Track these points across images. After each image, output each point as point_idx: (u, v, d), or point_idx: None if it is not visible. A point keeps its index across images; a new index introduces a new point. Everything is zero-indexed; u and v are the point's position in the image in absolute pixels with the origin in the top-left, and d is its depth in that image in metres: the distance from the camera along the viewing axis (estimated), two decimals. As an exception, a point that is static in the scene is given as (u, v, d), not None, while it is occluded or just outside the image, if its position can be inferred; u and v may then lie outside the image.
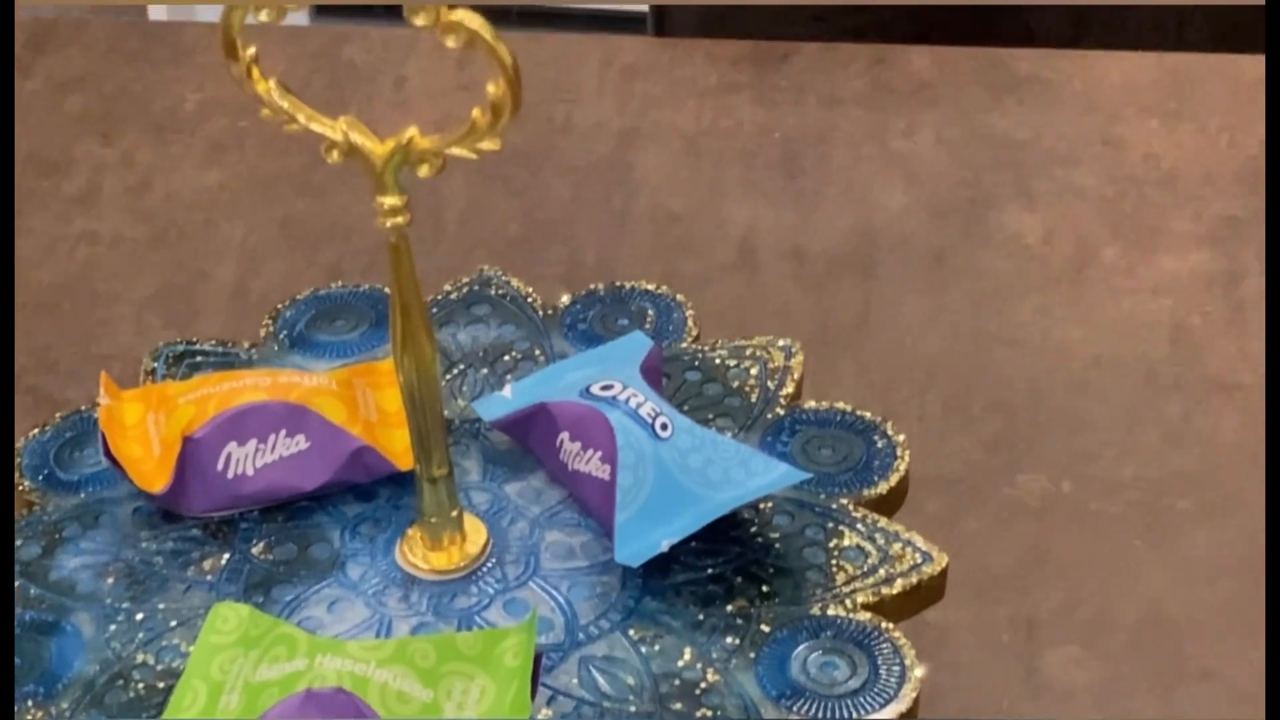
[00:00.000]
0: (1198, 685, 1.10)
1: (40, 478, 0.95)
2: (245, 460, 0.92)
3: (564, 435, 0.91)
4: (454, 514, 0.89)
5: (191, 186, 1.33)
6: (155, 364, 1.02)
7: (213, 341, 1.03)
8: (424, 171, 0.79)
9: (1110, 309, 1.29)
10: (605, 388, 0.91)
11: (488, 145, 0.77)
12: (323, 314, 1.05)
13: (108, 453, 0.92)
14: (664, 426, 0.89)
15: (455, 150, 0.78)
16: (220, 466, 0.92)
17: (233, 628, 0.84)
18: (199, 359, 1.02)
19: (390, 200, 0.79)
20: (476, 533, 0.90)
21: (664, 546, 0.87)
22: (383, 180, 0.79)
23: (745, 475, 0.89)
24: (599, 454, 0.89)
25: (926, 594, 0.88)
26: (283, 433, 0.92)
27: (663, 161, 1.37)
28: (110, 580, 0.90)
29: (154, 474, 0.91)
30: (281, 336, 1.03)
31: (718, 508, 0.88)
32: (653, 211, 1.31)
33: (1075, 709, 1.04)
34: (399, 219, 0.80)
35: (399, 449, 0.93)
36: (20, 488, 0.95)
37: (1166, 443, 1.22)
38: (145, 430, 0.93)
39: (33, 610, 0.88)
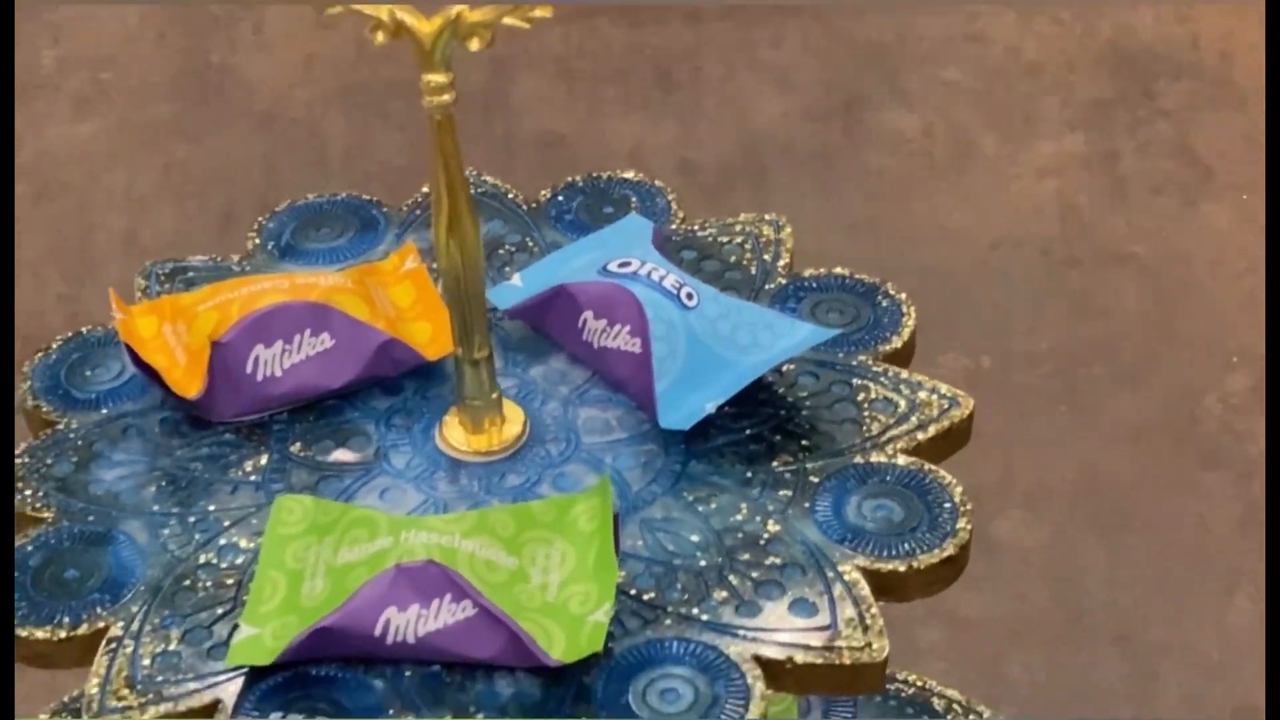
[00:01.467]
0: (1139, 536, 1.16)
1: (56, 397, 0.95)
2: (273, 361, 0.92)
3: (587, 315, 0.93)
4: (494, 396, 0.90)
5: (64, 140, 1.32)
6: (146, 282, 1.01)
7: (202, 257, 1.03)
8: (474, 45, 0.80)
9: (999, 195, 1.35)
10: (623, 264, 0.93)
11: (540, 13, 0.79)
12: (306, 223, 1.05)
13: (138, 362, 0.92)
14: (689, 296, 0.92)
15: (509, 20, 0.79)
16: (249, 369, 0.92)
17: (298, 518, 0.85)
18: (191, 274, 1.02)
19: (437, 78, 0.80)
20: (515, 414, 0.92)
21: (709, 409, 0.89)
22: (431, 57, 0.80)
23: (772, 338, 0.92)
24: (627, 329, 0.91)
25: (957, 437, 0.91)
26: (307, 332, 0.93)
27: (538, 86, 1.39)
28: (152, 489, 0.90)
29: (185, 381, 0.91)
30: (270, 248, 1.03)
31: (752, 370, 0.90)
32: (538, 135, 1.33)
33: (1030, 568, 1.08)
34: (445, 97, 0.81)
35: (422, 341, 0.94)
36: (37, 408, 0.94)
37: (1073, 314, 1.28)
38: (164, 341, 0.93)
39: (79, 524, 0.88)
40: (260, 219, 1.05)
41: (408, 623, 0.80)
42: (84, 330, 0.99)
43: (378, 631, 0.80)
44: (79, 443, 0.92)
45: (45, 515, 0.89)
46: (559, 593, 0.81)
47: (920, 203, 1.35)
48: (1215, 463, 1.19)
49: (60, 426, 0.93)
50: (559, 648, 0.80)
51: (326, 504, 0.85)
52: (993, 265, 1.31)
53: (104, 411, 0.94)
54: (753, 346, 0.91)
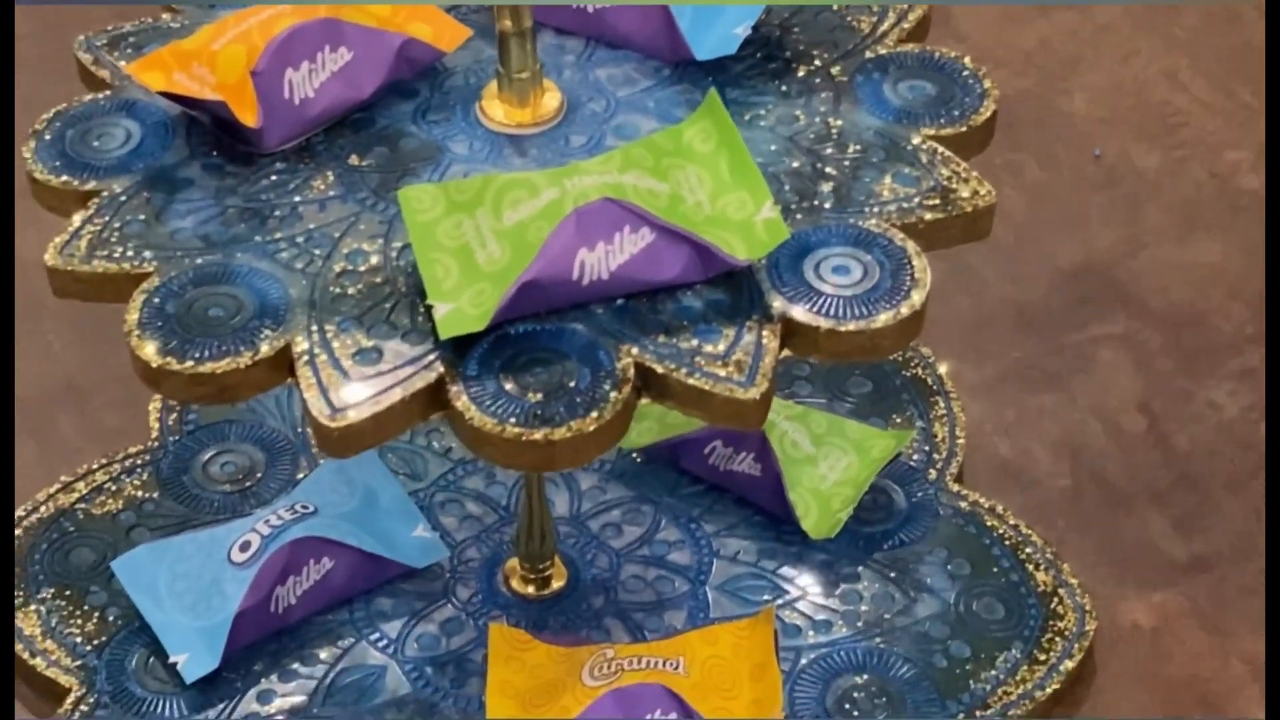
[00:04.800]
0: (1074, 357, 1.27)
1: (78, 168, 0.92)
2: (304, 83, 0.92)
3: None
4: (538, 67, 0.93)
5: None
6: (91, 55, 0.98)
7: (134, 22, 1.01)
8: None
9: None
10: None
11: None
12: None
13: (188, 103, 0.91)
14: None
15: None
16: (286, 94, 0.92)
17: (430, 203, 0.87)
18: (133, 39, 0.99)
19: None
20: (550, 84, 0.95)
21: (740, 34, 0.95)
22: None
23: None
24: (623, -17, 0.96)
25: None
26: (326, 49, 0.93)
27: None
28: (240, 225, 0.89)
29: (242, 114, 0.91)
30: (195, -5, 1.02)
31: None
32: None
33: (984, 405, 1.18)
34: None
35: (431, 37, 0.96)
36: (66, 184, 0.92)
37: None
38: (184, 87, 0.92)
39: (190, 269, 0.87)
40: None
41: (599, 260, 0.84)
42: (63, 106, 0.96)
43: (575, 275, 0.84)
44: (134, 201, 0.90)
45: (148, 269, 0.87)
46: (713, 207, 0.87)
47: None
48: None
49: (104, 194, 0.91)
50: (741, 250, 0.85)
51: (454, 184, 0.87)
52: None
53: (137, 171, 0.92)
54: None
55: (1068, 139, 1.41)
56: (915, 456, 1.17)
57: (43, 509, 1.13)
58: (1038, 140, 1.39)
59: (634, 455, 1.17)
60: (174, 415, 1.19)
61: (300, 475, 1.15)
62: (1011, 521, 1.13)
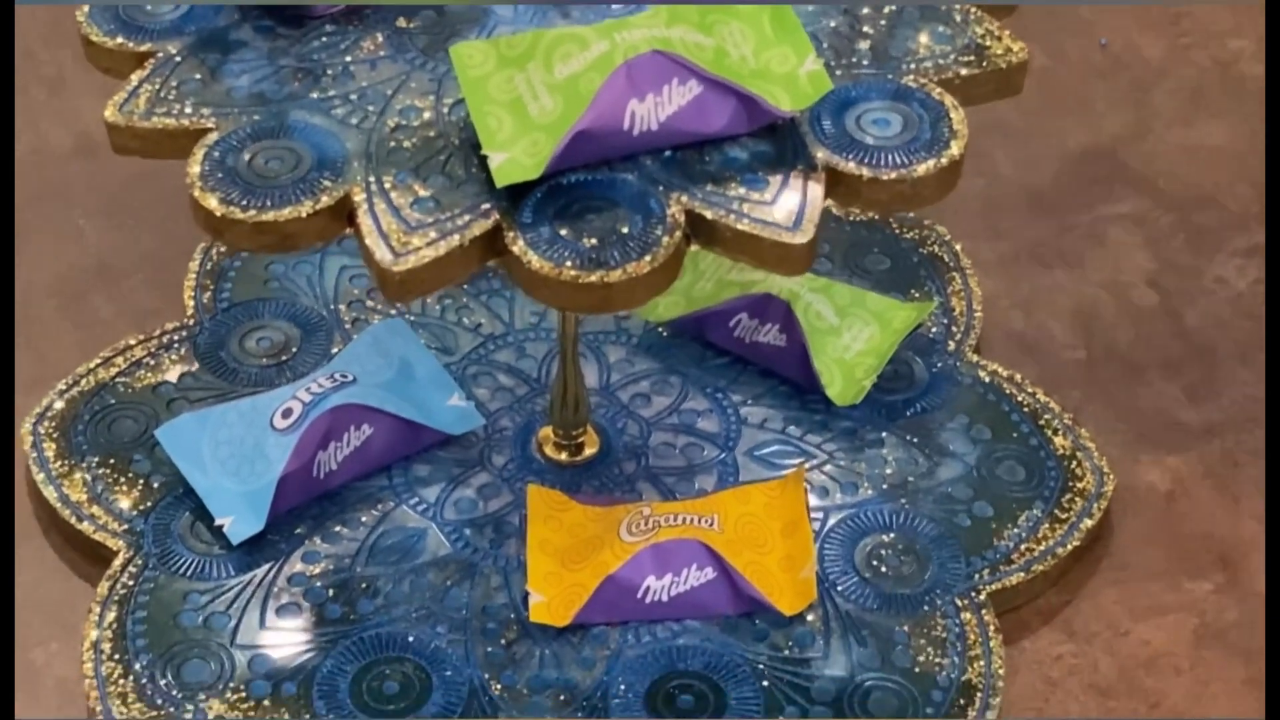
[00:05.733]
0: (1085, 236, 1.29)
1: (132, 30, 0.94)
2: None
3: None
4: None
5: None
6: None
7: None
8: None
9: None
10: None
11: None
12: None
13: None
14: None
15: None
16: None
17: (482, 59, 0.89)
18: None
19: None
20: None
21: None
22: None
23: None
24: None
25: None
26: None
27: None
28: (294, 82, 0.92)
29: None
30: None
31: None
32: None
33: (999, 281, 1.20)
34: None
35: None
36: (121, 46, 0.94)
37: None
38: None
39: (248, 125, 0.89)
40: None
41: (649, 111, 0.87)
42: (111, -28, 0.98)
43: (626, 125, 0.86)
44: (190, 62, 0.93)
45: (207, 125, 0.90)
46: (757, 61, 0.89)
47: None
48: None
49: (159, 55, 0.93)
50: (786, 101, 0.88)
51: (506, 39, 0.89)
52: None
53: (190, 34, 0.94)
54: None
55: (1074, 29, 1.44)
56: (934, 329, 1.20)
57: (83, 382, 1.15)
58: (1045, 30, 1.42)
59: (660, 330, 1.20)
60: (208, 294, 1.21)
61: (334, 350, 1.17)
62: (1029, 389, 1.16)
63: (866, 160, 0.87)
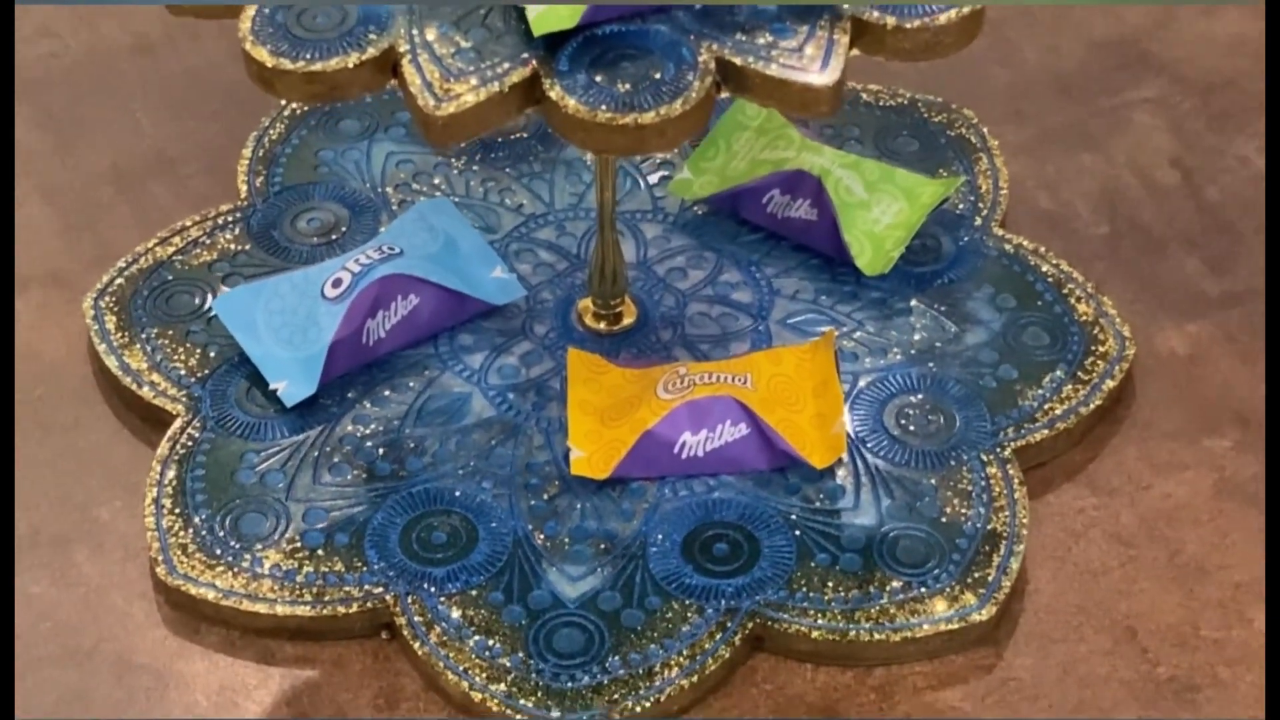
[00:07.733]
0: (1110, 119, 1.31)
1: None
2: None
3: None
4: None
5: None
6: None
7: None
8: None
9: None
10: None
11: None
12: None
13: None
14: None
15: None
16: None
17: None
18: None
19: None
20: None
21: None
22: None
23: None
24: None
25: None
26: None
27: None
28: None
29: None
30: None
31: None
32: None
33: (1025, 163, 1.23)
34: None
35: None
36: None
37: None
38: None
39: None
40: None
41: None
42: None
43: None
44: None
45: None
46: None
47: None
48: None
49: (212, -77, 0.98)
50: None
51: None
52: None
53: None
54: None
55: (1099, -74, 1.47)
56: (961, 206, 1.24)
57: (141, 260, 1.20)
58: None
59: (695, 208, 1.24)
60: (260, 178, 1.26)
61: (382, 230, 1.22)
62: (1054, 261, 1.20)
63: (891, 9, 0.91)
